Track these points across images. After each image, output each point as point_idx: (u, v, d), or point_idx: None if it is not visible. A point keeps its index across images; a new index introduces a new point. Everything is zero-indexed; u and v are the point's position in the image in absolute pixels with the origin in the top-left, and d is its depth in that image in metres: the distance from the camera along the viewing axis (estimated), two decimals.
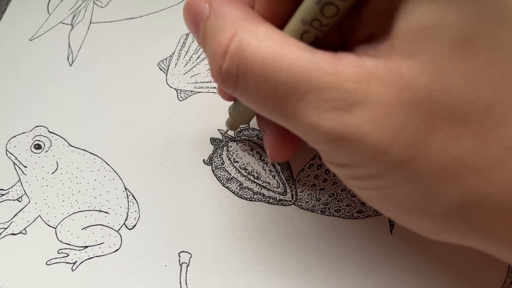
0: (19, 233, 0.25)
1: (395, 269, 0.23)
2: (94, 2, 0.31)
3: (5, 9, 0.32)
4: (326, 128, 0.14)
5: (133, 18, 0.31)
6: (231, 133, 0.27)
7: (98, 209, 0.26)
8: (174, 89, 0.28)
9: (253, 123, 0.27)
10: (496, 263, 0.23)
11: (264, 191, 0.25)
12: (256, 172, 0.26)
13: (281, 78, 0.14)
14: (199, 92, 0.28)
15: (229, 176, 0.26)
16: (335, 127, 0.14)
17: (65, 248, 0.25)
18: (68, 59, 0.30)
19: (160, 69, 0.29)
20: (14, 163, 0.27)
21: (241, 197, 0.25)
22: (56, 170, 0.27)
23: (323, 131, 0.14)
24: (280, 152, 0.22)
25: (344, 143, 0.14)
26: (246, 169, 0.26)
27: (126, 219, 0.25)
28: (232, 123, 0.24)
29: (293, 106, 0.14)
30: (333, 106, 0.14)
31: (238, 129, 0.27)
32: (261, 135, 0.26)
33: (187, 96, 0.28)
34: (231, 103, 0.23)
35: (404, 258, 0.23)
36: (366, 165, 0.14)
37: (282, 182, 0.25)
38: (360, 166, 0.14)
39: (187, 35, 0.30)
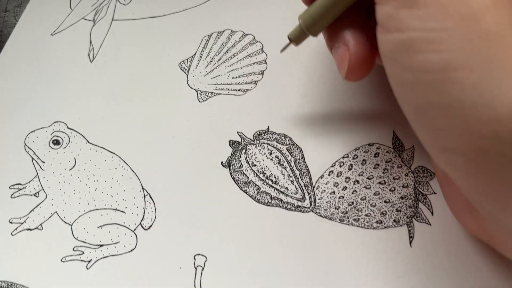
0: (35, 228, 0.25)
1: (413, 281, 0.22)
2: None
3: (6, 7, 0.32)
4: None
5: (155, 17, 0.31)
6: (291, 47, 0.24)
7: (115, 208, 0.25)
8: (195, 90, 0.28)
9: (275, 125, 0.27)
10: None
11: (282, 196, 0.25)
12: (275, 177, 0.25)
13: None
14: (220, 94, 0.28)
15: (246, 180, 0.25)
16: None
17: (80, 246, 0.25)
18: (89, 55, 0.30)
19: (181, 69, 0.29)
20: (32, 158, 0.27)
21: (258, 202, 0.25)
22: (73, 166, 0.27)
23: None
24: (362, 66, 0.20)
25: None
26: (264, 173, 0.25)
27: (142, 219, 0.25)
28: (299, 33, 0.22)
29: None
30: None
31: (257, 132, 0.26)
32: (280, 139, 0.26)
33: (207, 97, 0.28)
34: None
35: (423, 271, 0.23)
36: None
37: (300, 188, 0.25)
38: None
39: (209, 36, 0.30)
